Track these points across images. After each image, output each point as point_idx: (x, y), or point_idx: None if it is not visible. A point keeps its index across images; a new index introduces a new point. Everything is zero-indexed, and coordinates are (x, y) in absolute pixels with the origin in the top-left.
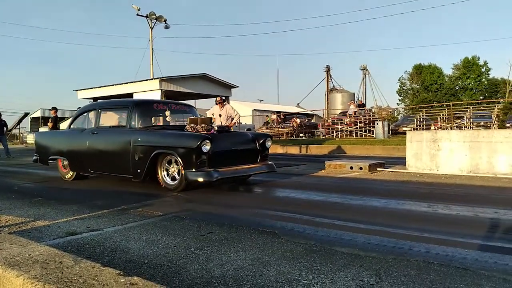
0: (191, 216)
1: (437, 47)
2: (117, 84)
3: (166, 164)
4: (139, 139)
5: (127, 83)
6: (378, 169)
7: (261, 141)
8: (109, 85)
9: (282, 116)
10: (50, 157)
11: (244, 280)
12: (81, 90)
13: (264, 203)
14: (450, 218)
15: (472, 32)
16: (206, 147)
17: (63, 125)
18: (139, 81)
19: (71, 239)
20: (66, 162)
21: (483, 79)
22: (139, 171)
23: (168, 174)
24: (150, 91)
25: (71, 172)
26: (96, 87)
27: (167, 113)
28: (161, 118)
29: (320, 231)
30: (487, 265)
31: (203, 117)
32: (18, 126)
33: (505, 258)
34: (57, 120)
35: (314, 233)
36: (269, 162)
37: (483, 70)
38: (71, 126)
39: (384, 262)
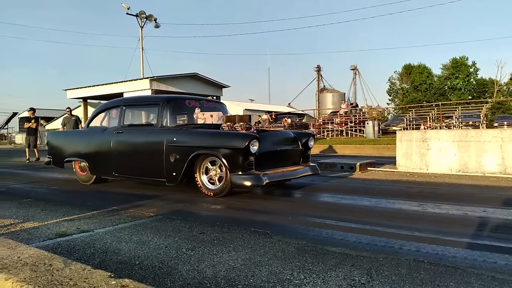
0: (182, 216)
1: (426, 47)
2: (107, 84)
3: (207, 167)
4: (175, 139)
5: (117, 82)
6: (368, 168)
7: (304, 140)
8: (98, 85)
9: (273, 116)
10: (66, 159)
11: (236, 280)
12: (70, 89)
13: (254, 203)
14: (439, 217)
15: (460, 32)
16: (255, 147)
17: (53, 125)
18: (129, 80)
19: (61, 241)
20: (84, 164)
21: (472, 79)
22: (174, 174)
23: (208, 178)
24: (140, 90)
25: (90, 175)
26: (86, 87)
27: (197, 110)
28: (188, 116)
29: (312, 231)
30: (476, 263)
31: (241, 115)
32: (6, 126)
33: (494, 256)
34: (38, 121)
35: (305, 233)
36: (312, 164)
37: (471, 70)
38: (90, 125)
39: (375, 261)
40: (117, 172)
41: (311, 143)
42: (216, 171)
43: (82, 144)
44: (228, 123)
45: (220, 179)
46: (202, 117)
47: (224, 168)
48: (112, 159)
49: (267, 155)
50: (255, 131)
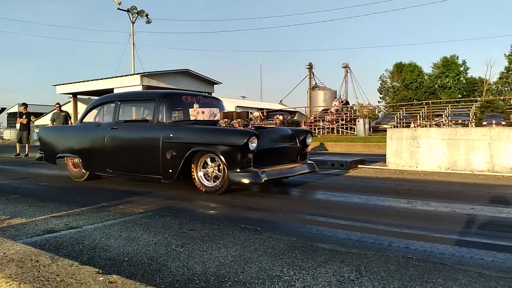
0: (173, 213)
1: (417, 46)
2: (97, 79)
3: (204, 164)
4: (171, 135)
5: (107, 78)
6: (359, 166)
7: (302, 138)
8: (89, 80)
9: (265, 113)
10: (58, 155)
11: (225, 277)
12: (60, 85)
13: (245, 200)
14: (428, 214)
15: (451, 31)
16: (253, 144)
17: (42, 121)
18: (119, 76)
19: (49, 237)
20: (77, 161)
21: (462, 78)
22: (170, 171)
23: (205, 175)
24: (131, 86)
25: (83, 172)
26: (76, 82)
27: (195, 106)
28: (185, 112)
29: (302, 228)
30: (464, 260)
31: (239, 111)
32: None
33: (481, 252)
34: (29, 116)
35: (295, 230)
36: (309, 161)
37: (461, 69)
38: (84, 120)
39: (364, 258)
40: (112, 169)
41: (308, 140)
42: (214, 168)
43: (75, 140)
44: (226, 120)
45: (216, 178)
46: (200, 113)
47: (221, 166)
48: (106, 155)
49: (265, 152)
50: (253, 128)
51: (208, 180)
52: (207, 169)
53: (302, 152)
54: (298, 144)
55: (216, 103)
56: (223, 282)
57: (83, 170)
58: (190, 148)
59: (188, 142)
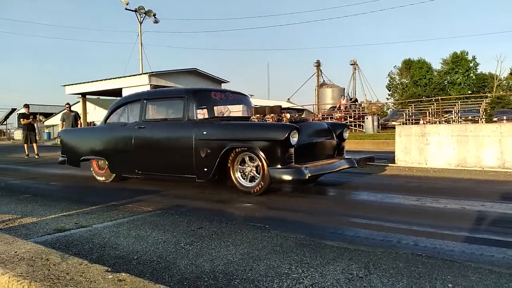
0: (181, 211)
1: (426, 42)
2: (106, 79)
3: (241, 162)
4: (205, 133)
5: (115, 78)
6: (368, 163)
7: (339, 132)
8: (97, 80)
9: None
10: (83, 158)
11: (234, 274)
12: (69, 85)
13: (252, 198)
14: (438, 211)
15: (460, 27)
16: (294, 138)
17: (52, 121)
18: (128, 76)
19: (60, 236)
20: (102, 162)
21: (471, 74)
22: (205, 170)
23: (242, 174)
24: (139, 86)
25: (110, 174)
26: (85, 82)
27: (227, 107)
28: (214, 108)
29: (310, 225)
30: (474, 257)
31: (272, 106)
32: (5, 122)
33: (491, 249)
34: (35, 116)
35: (303, 227)
36: (347, 157)
37: (471, 65)
38: (108, 121)
39: (373, 255)
40: (141, 170)
41: (345, 134)
42: (252, 167)
43: (101, 141)
44: (258, 115)
45: (253, 177)
46: (231, 109)
47: (260, 163)
48: (135, 156)
49: (305, 147)
50: (289, 122)
51: (244, 179)
52: (245, 167)
53: (339, 147)
54: (335, 138)
55: (244, 98)
56: (232, 279)
57: (109, 172)
58: (226, 145)
59: (223, 139)
